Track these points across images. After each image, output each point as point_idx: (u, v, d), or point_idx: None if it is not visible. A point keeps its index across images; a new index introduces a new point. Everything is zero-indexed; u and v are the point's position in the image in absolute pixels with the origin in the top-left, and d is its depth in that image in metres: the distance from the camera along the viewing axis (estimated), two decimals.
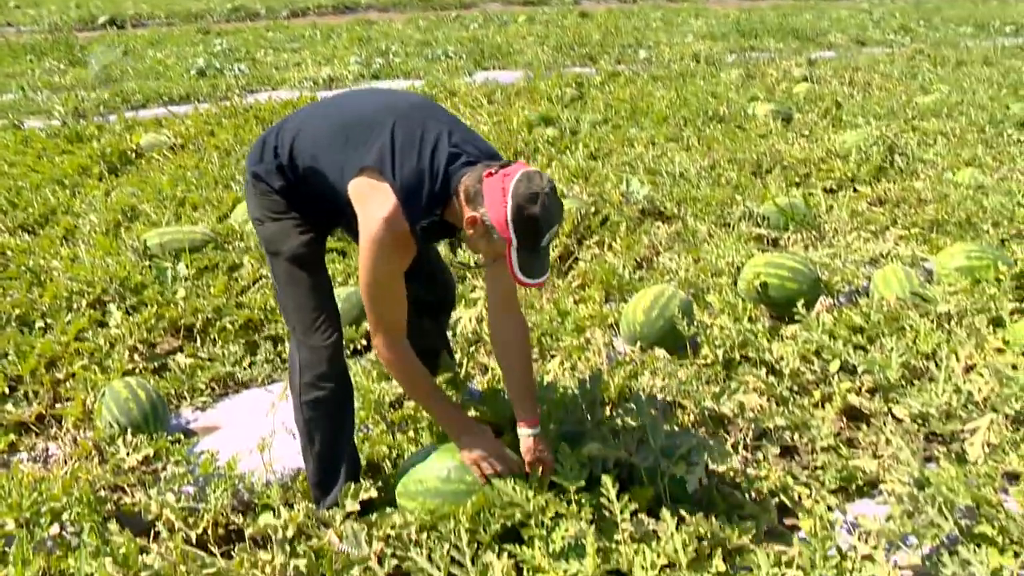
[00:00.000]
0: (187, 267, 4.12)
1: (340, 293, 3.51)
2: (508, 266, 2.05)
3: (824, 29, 13.39)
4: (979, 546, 2.10)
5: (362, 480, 2.37)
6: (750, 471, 2.46)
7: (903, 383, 2.96)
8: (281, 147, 2.31)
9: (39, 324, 3.67)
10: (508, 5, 18.81)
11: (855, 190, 5.31)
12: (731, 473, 2.46)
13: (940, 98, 7.85)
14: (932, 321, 3.37)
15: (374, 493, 2.27)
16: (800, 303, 3.42)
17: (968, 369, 3.02)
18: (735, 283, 3.82)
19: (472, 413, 2.72)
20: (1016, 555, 2.08)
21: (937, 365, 3.01)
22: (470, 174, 2.09)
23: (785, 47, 11.57)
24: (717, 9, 16.99)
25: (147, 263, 4.20)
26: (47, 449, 2.93)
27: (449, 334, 3.19)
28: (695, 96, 7.82)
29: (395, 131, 2.14)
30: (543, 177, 2.05)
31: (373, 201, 2.11)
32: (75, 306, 3.78)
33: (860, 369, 3.01)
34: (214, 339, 3.58)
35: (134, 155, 6.36)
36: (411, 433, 2.74)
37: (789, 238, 4.47)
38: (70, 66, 10.80)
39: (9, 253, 4.42)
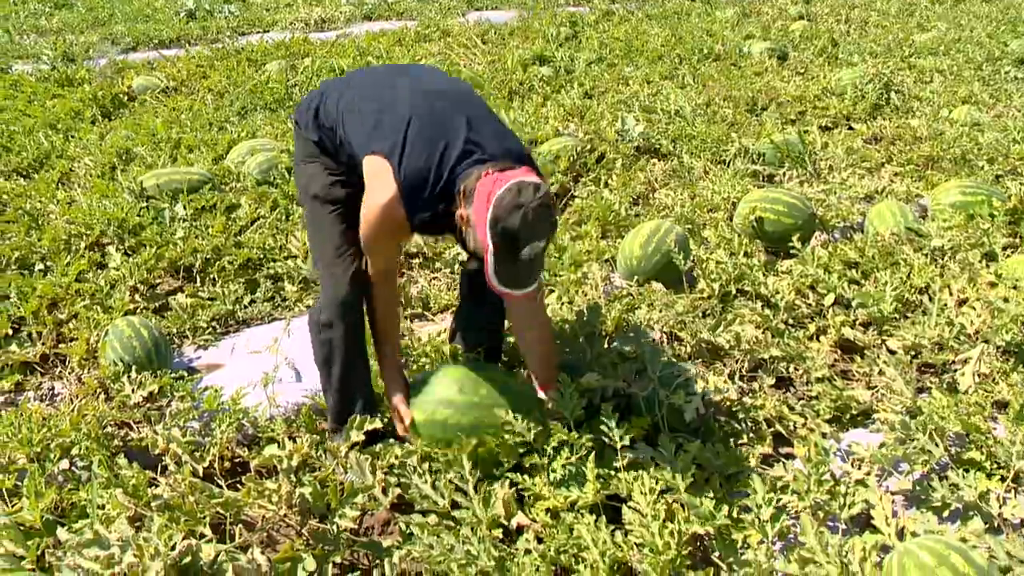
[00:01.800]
0: (185, 208, 4.13)
1: None
2: (485, 271, 2.05)
3: None
4: (967, 471, 2.16)
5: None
6: (746, 401, 2.51)
7: (897, 316, 3.00)
8: (325, 116, 2.39)
9: (39, 266, 3.69)
10: None
11: (851, 128, 5.32)
12: (728, 403, 2.51)
13: (937, 36, 7.81)
14: (926, 256, 3.41)
15: (379, 424, 2.31)
16: (795, 238, 3.45)
17: (961, 302, 3.06)
18: (731, 218, 3.85)
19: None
20: (1003, 479, 2.14)
21: (930, 299, 3.05)
22: (472, 174, 2.09)
23: None
24: None
25: (144, 204, 4.20)
26: (53, 388, 2.97)
27: None
28: (690, 34, 7.77)
29: (411, 124, 2.17)
30: (536, 189, 2.00)
31: (376, 183, 2.17)
32: (74, 248, 3.80)
33: (855, 303, 3.04)
34: (214, 278, 3.60)
35: (127, 98, 6.32)
36: (414, 367, 2.78)
37: (785, 175, 4.48)
38: (56, 9, 10.65)
39: (5, 197, 4.42)
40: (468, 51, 7.25)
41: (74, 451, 2.41)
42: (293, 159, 2.61)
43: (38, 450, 2.39)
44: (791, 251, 3.44)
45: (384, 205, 2.14)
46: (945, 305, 3.00)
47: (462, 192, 2.09)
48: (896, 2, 9.89)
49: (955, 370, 2.69)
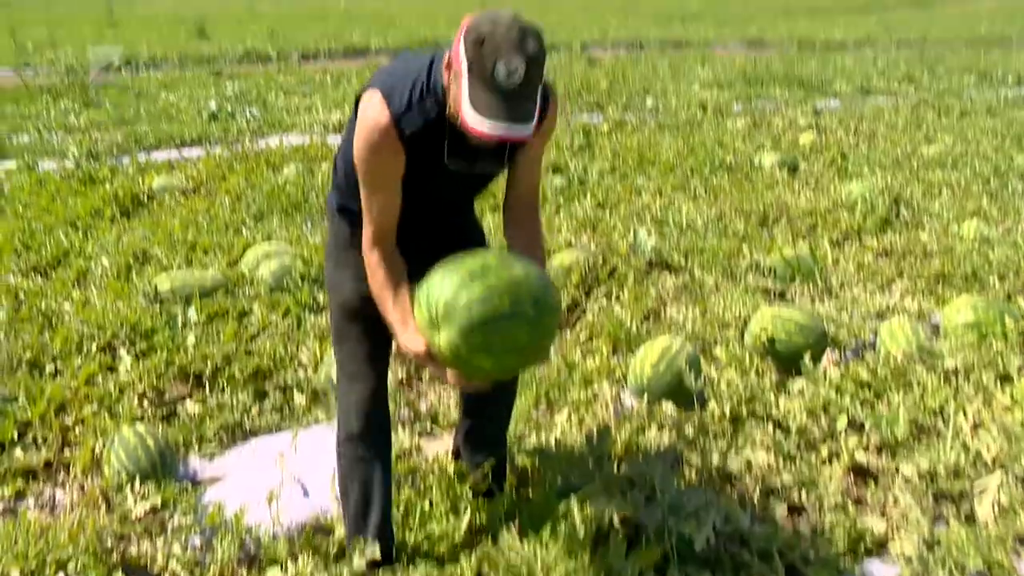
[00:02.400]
0: (197, 313, 4.15)
1: None
2: (457, 108, 1.85)
3: (829, 78, 13.48)
4: None
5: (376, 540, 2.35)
6: (757, 529, 2.46)
7: (911, 440, 2.96)
8: (338, 162, 2.33)
9: (50, 368, 3.70)
10: None
11: (861, 242, 5.34)
12: (739, 532, 2.46)
13: (945, 149, 7.91)
14: (939, 376, 3.38)
15: (377, 555, 2.26)
16: (807, 357, 3.43)
17: (976, 426, 3.02)
18: (742, 336, 3.84)
19: None
20: None
21: (945, 422, 3.01)
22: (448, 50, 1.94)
23: (791, 96, 11.65)
24: (724, 57, 17.15)
25: (157, 308, 4.24)
26: (54, 496, 2.94)
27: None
28: (702, 145, 7.89)
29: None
30: (512, 12, 1.86)
31: (361, 112, 2.04)
32: (86, 350, 3.81)
33: (867, 425, 3.01)
34: (223, 386, 3.59)
35: (147, 198, 6.41)
36: (420, 487, 2.74)
37: (796, 290, 4.49)
38: (85, 108, 10.91)
39: (22, 295, 4.47)
40: None
41: (70, 566, 2.37)
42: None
43: (33, 565, 2.35)
44: (803, 371, 3.42)
45: (369, 112, 1.99)
46: (960, 429, 2.97)
47: (445, 61, 1.91)
48: (903, 115, 10.04)
49: (972, 499, 2.64)
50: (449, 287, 1.85)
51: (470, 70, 1.79)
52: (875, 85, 12.96)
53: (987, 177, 6.80)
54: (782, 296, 4.49)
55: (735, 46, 21.58)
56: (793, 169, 7.11)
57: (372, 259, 2.12)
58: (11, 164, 7.52)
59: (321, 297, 4.35)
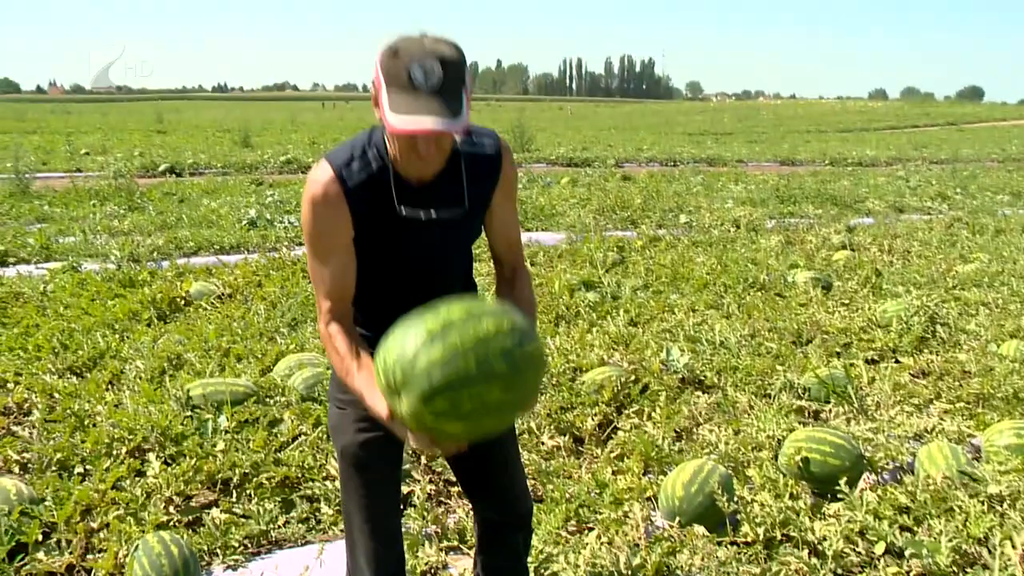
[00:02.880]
0: (228, 420, 4.17)
1: None
2: (380, 116, 1.82)
3: (862, 196, 13.60)
4: None
5: None
6: None
7: (954, 569, 2.86)
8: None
9: (78, 470, 3.74)
10: (552, 166, 19.39)
11: (897, 361, 5.29)
12: None
13: (980, 267, 7.88)
14: (983, 502, 3.28)
15: None
16: (843, 480, 3.36)
17: None
18: (776, 457, 3.78)
19: None
20: None
21: (990, 551, 2.92)
22: None
23: (824, 213, 11.74)
24: (756, 175, 17.37)
25: (188, 413, 4.27)
26: None
27: None
28: (735, 263, 7.93)
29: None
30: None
31: (306, 183, 2.00)
32: (115, 453, 3.84)
33: (907, 552, 2.92)
34: (250, 495, 3.58)
35: (183, 303, 6.52)
36: None
37: (831, 411, 4.43)
38: (129, 211, 11.23)
39: (57, 395, 4.54)
40: None
41: None
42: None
43: None
44: (839, 494, 3.34)
45: (313, 173, 1.96)
46: (1008, 560, 2.87)
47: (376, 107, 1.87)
48: (937, 233, 10.05)
49: None
50: (406, 349, 1.69)
51: (388, 83, 1.78)
52: (908, 203, 13.04)
53: None
54: (817, 416, 4.43)
55: (768, 163, 21.87)
56: (827, 287, 7.11)
57: (328, 332, 2.01)
58: (56, 265, 7.71)
59: None
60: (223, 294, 6.77)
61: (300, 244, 9.22)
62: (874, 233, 9.92)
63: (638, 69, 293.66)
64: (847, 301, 6.67)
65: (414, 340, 1.70)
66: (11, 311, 6.16)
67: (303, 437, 4.08)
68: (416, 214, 2.00)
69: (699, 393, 4.68)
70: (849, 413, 4.41)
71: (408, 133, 1.78)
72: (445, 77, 1.76)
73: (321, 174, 1.95)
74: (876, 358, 5.36)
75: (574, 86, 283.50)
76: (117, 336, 5.63)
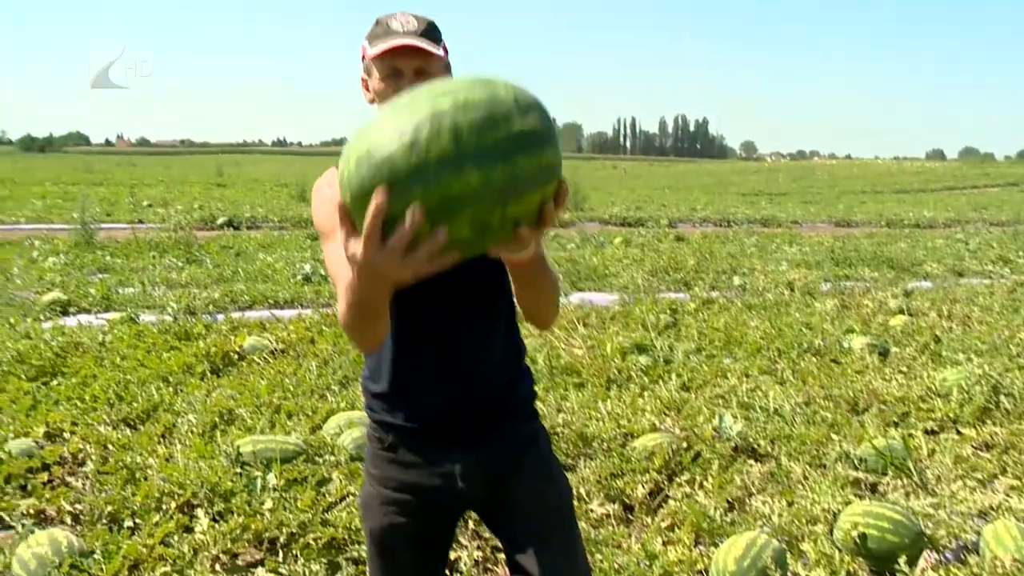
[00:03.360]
0: (276, 478, 4.18)
1: None
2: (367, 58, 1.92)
3: (919, 259, 13.37)
4: None
5: None
6: None
7: None
8: None
9: (128, 523, 3.77)
10: (605, 225, 19.40)
11: (958, 432, 5.13)
12: None
13: None
14: None
15: None
16: (902, 558, 3.26)
17: None
18: (831, 532, 3.67)
19: None
20: None
21: None
22: None
23: (880, 276, 11.55)
24: (811, 236, 17.22)
25: (238, 470, 4.29)
26: None
27: None
28: (789, 327, 7.82)
29: None
30: None
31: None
32: (164, 508, 3.87)
33: None
34: (296, 555, 3.57)
35: (237, 357, 6.59)
36: None
37: (889, 484, 4.31)
38: (187, 264, 11.46)
39: (110, 447, 4.61)
40: (569, 334, 7.42)
41: None
42: None
43: None
44: (898, 573, 3.24)
45: (322, 178, 1.98)
46: None
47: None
48: (999, 298, 9.82)
49: None
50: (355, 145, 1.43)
51: (370, 44, 1.90)
52: (968, 266, 12.79)
53: None
54: (874, 489, 4.31)
55: (823, 225, 21.67)
56: (883, 353, 6.96)
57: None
58: (116, 315, 7.87)
59: None
60: (276, 349, 6.82)
61: None
62: (933, 297, 9.72)
63: (692, 128, 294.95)
64: (905, 368, 6.52)
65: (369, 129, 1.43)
66: (70, 361, 6.29)
67: (351, 498, 4.06)
68: None
69: (752, 462, 4.59)
70: (908, 487, 4.28)
71: (386, 49, 1.85)
72: (422, 26, 1.90)
73: (325, 174, 1.99)
74: (936, 429, 5.21)
75: (628, 145, 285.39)
76: (171, 389, 5.71)
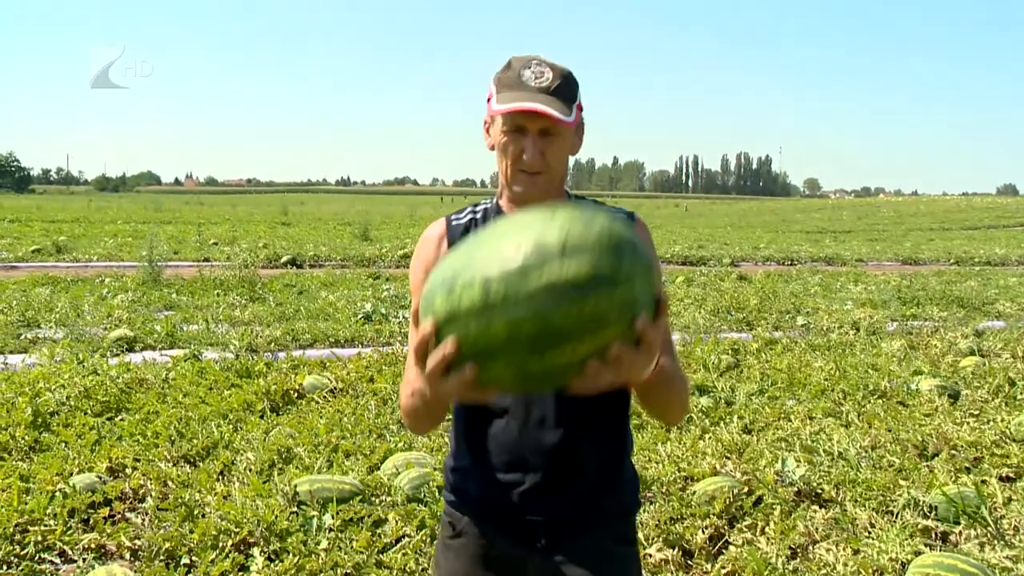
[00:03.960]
0: (332, 518, 4.18)
1: None
2: (487, 122, 1.87)
3: (991, 297, 13.01)
4: None
5: None
6: None
7: None
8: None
9: (185, 560, 3.79)
10: (668, 264, 19.29)
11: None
12: None
13: None
14: None
15: None
16: None
17: None
18: None
19: None
20: None
21: None
22: None
23: (949, 316, 11.26)
24: (877, 275, 16.89)
25: (294, 509, 4.30)
26: None
27: None
28: (854, 368, 7.63)
29: None
30: None
31: None
32: (221, 546, 3.88)
33: None
34: None
35: (296, 395, 6.63)
36: None
37: (961, 533, 4.14)
38: (250, 301, 11.61)
39: (170, 484, 4.65)
40: None
41: None
42: None
43: None
44: None
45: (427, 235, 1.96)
46: None
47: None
48: None
49: None
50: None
51: (498, 92, 1.80)
52: None
53: None
54: (945, 539, 4.15)
55: (889, 263, 21.27)
56: (954, 396, 6.75)
57: (404, 382, 1.85)
58: (179, 352, 7.98)
59: None
60: (335, 388, 6.85)
61: None
62: (1006, 338, 9.42)
63: (755, 166, 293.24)
64: (977, 412, 6.31)
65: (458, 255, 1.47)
66: (135, 397, 6.39)
67: (406, 539, 4.04)
68: None
69: (816, 508, 4.46)
70: (983, 537, 4.11)
71: (510, 111, 1.75)
72: (555, 81, 1.79)
73: (431, 225, 1.98)
74: (1012, 476, 5.01)
75: (690, 183, 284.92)
76: (231, 426, 5.75)
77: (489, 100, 1.83)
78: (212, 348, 8.29)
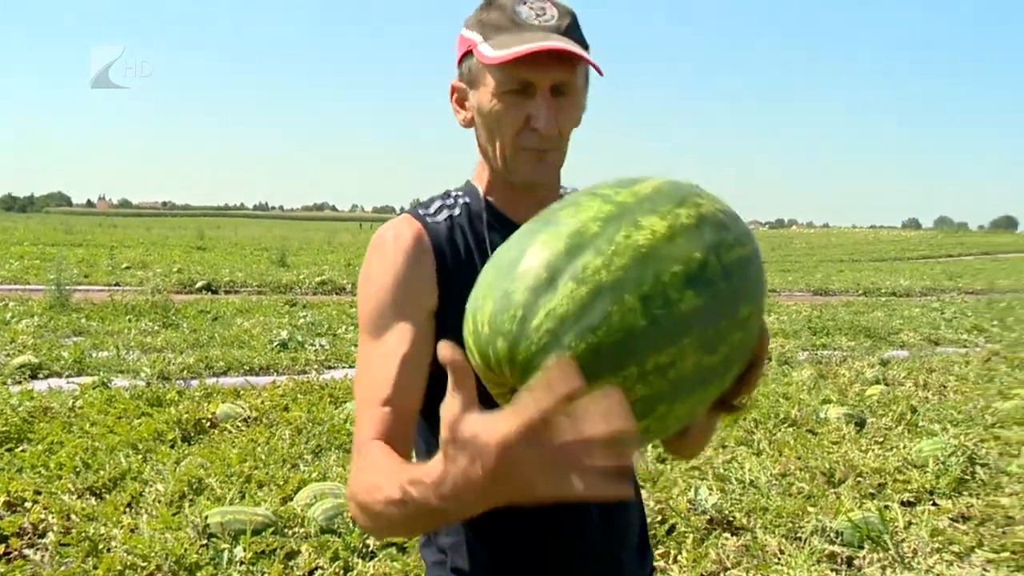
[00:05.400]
0: (244, 550, 4.10)
1: None
2: (482, 62, 1.33)
3: (896, 328, 13.46)
4: None
5: None
6: None
7: None
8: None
9: None
10: None
11: (935, 504, 5.11)
12: None
13: (1021, 404, 7.68)
14: None
15: None
16: None
17: None
18: None
19: None
20: None
21: None
22: None
23: (857, 346, 11.61)
24: (789, 305, 17.29)
25: (205, 541, 4.20)
26: None
27: None
28: (766, 397, 7.79)
29: None
30: None
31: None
32: None
33: None
34: None
35: (209, 425, 6.49)
36: None
37: (865, 557, 4.26)
38: (163, 328, 11.34)
39: (74, 517, 4.48)
40: None
41: None
42: None
43: None
44: None
45: (380, 229, 1.43)
46: None
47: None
48: (975, 367, 9.88)
49: None
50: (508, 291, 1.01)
51: (486, 37, 1.33)
52: (943, 335, 12.89)
53: None
54: (850, 563, 4.26)
55: (801, 293, 21.82)
56: (860, 424, 6.95)
57: (367, 447, 1.23)
58: (88, 380, 7.74)
59: (371, 542, 4.26)
60: (249, 417, 6.73)
61: (330, 367, 9.22)
62: (909, 367, 9.76)
63: None
64: (881, 439, 6.51)
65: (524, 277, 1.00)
66: (37, 427, 6.16)
67: (319, 571, 3.99)
68: None
69: (728, 535, 4.54)
70: (885, 560, 4.24)
71: (519, 55, 1.26)
72: (564, 20, 1.34)
73: (395, 222, 1.42)
74: (912, 500, 5.18)
75: None
76: (140, 457, 5.59)
77: (467, 54, 1.37)
78: (122, 375, 8.07)
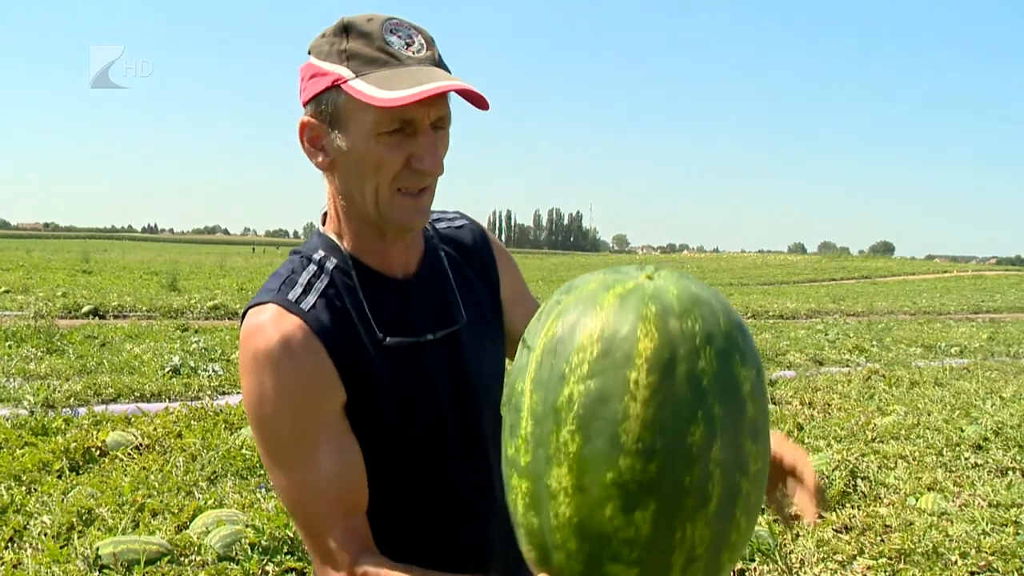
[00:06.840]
0: None
1: None
2: (358, 100, 1.20)
3: (783, 349, 13.91)
4: None
5: None
6: None
7: None
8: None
9: None
10: None
11: (820, 516, 5.32)
12: None
13: (897, 420, 8.05)
14: None
15: None
16: None
17: None
18: None
19: None
20: None
21: None
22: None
23: None
24: None
25: (96, 574, 4.08)
26: None
27: None
28: None
29: None
30: None
31: (246, 341, 1.27)
32: None
33: None
34: None
35: (99, 453, 6.29)
36: None
37: (756, 569, 4.42)
38: (47, 354, 10.92)
39: None
40: None
41: None
42: None
43: None
44: None
45: (255, 333, 1.25)
46: None
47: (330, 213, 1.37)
48: (856, 385, 10.29)
49: None
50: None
51: (355, 69, 1.21)
52: (827, 355, 13.38)
53: (939, 449, 6.90)
54: (742, 575, 4.41)
55: None
56: None
57: None
58: None
59: (270, 568, 4.21)
60: (141, 444, 6.55)
61: (224, 393, 9.03)
62: (795, 386, 10.11)
63: (566, 222, 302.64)
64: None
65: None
66: None
67: None
68: (402, 338, 1.32)
69: None
70: (775, 572, 4.41)
71: (423, 97, 1.16)
72: (433, 48, 1.27)
73: (269, 321, 1.24)
74: (799, 514, 5.37)
75: (503, 237, 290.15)
76: (24, 489, 5.38)
77: (328, 89, 1.23)
78: (3, 404, 7.76)
